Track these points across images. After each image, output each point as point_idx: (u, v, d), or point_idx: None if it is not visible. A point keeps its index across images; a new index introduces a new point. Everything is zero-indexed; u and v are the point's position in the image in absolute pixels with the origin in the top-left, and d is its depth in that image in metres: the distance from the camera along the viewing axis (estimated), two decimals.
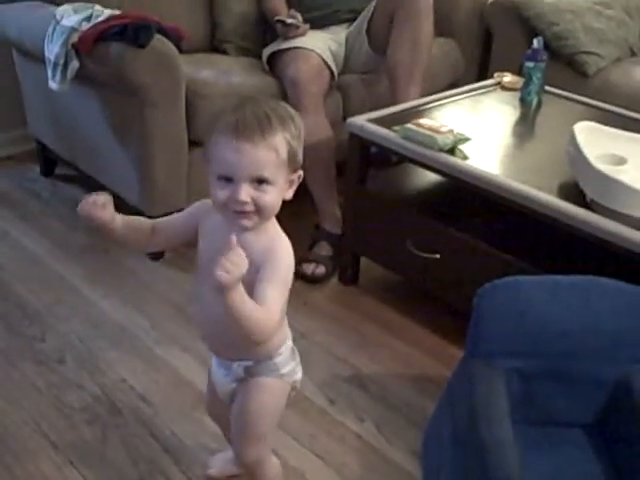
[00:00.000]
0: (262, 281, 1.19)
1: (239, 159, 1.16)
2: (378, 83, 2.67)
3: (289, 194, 1.25)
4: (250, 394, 1.34)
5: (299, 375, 1.39)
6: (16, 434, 1.75)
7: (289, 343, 1.37)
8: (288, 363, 1.35)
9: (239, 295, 1.10)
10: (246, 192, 1.17)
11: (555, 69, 2.56)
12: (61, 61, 2.29)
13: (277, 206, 1.23)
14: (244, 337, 1.21)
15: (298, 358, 1.40)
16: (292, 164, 1.21)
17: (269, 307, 1.17)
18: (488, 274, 1.58)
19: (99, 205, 1.23)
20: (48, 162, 2.95)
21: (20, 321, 2.14)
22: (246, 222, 1.20)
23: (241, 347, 1.30)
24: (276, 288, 1.19)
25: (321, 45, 2.53)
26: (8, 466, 1.66)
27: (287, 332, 1.38)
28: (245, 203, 1.17)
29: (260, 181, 1.17)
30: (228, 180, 1.18)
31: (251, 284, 1.18)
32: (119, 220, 1.28)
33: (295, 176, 1.24)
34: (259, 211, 1.19)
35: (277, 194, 1.20)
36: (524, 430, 1.36)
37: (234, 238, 1.09)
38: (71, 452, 1.70)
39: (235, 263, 1.07)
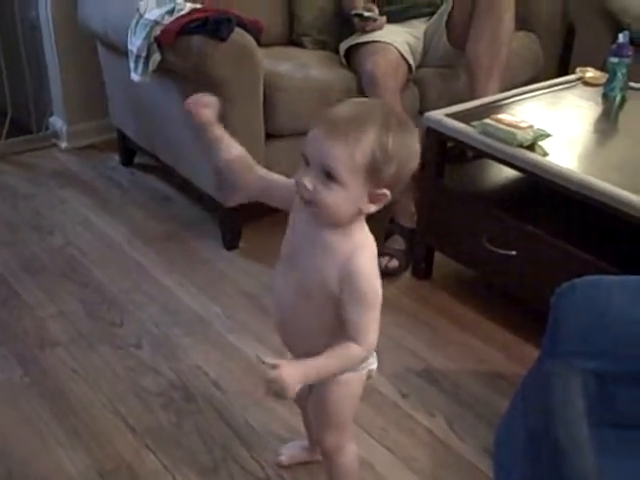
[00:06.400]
0: (346, 305, 1.19)
1: (314, 142, 1.14)
2: (456, 77, 2.64)
3: (370, 208, 1.18)
4: (327, 388, 1.34)
5: (374, 366, 1.39)
6: (95, 416, 1.80)
7: None
8: None
9: (313, 374, 1.18)
10: (311, 179, 1.14)
11: None
12: (143, 54, 2.34)
13: (341, 212, 1.16)
14: (319, 334, 1.25)
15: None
16: (373, 177, 1.13)
17: (360, 338, 1.19)
18: (565, 273, 1.55)
19: (202, 103, 1.30)
20: (128, 151, 3.02)
21: (99, 306, 2.20)
22: (310, 209, 1.18)
23: (316, 342, 1.28)
24: (363, 312, 1.19)
25: (399, 39, 2.52)
26: (88, 447, 1.71)
27: None
28: (305, 188, 1.15)
29: (329, 175, 1.13)
30: (307, 164, 1.16)
31: (332, 295, 1.20)
32: (223, 132, 1.32)
33: (380, 192, 1.16)
34: (318, 206, 1.16)
35: (343, 199, 1.14)
36: (600, 433, 1.33)
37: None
38: (147, 436, 1.74)
39: (274, 381, 1.12)
